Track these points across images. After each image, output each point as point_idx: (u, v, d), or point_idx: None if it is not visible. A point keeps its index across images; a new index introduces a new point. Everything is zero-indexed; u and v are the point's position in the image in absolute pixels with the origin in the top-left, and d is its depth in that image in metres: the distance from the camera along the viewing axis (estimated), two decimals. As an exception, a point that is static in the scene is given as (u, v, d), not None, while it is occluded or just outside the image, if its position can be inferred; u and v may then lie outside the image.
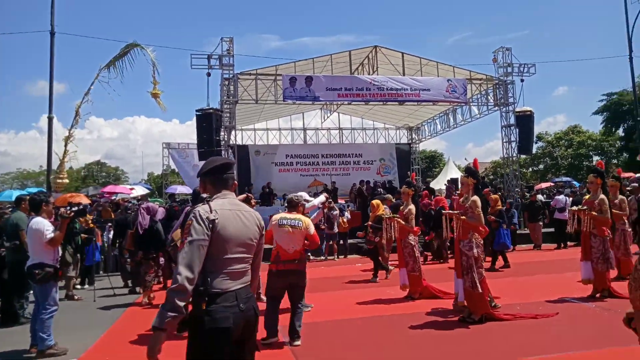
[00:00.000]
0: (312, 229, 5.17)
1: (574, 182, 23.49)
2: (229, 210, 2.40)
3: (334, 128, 24.84)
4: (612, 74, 74.02)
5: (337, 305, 7.01)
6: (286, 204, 5.66)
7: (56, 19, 13.08)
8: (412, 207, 7.31)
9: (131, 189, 20.04)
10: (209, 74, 15.28)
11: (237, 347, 2.34)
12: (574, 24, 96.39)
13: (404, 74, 17.37)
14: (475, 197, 5.57)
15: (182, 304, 2.16)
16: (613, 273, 6.99)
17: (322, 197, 7.16)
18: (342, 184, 20.02)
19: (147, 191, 18.27)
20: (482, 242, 5.65)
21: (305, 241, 5.13)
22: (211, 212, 2.31)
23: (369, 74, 17.60)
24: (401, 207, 7.55)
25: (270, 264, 5.15)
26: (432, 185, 20.32)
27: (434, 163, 45.69)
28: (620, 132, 35.97)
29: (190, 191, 19.00)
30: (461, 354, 4.42)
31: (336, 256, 13.30)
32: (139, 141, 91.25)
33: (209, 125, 14.31)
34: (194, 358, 2.24)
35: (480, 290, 5.40)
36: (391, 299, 7.20)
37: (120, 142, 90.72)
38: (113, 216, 11.75)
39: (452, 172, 25.45)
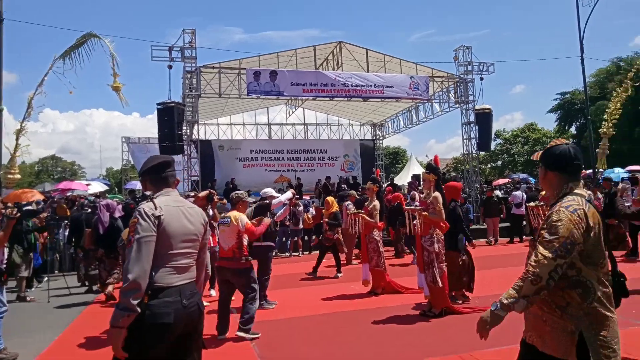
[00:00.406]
0: (243, 223, 5.17)
1: (530, 179, 24.38)
2: (173, 206, 2.43)
3: (299, 123, 24.79)
4: (565, 73, 77.52)
5: (301, 301, 7.01)
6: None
7: (4, 4, 12.35)
8: (376, 203, 7.40)
9: (88, 184, 19.32)
10: (170, 67, 14.87)
11: (179, 343, 2.34)
12: (531, 26, 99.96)
13: (368, 70, 17.50)
14: (437, 194, 5.69)
15: (135, 301, 2.17)
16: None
17: (288, 194, 7.13)
18: (307, 180, 20.06)
19: (105, 187, 17.66)
20: (442, 237, 5.78)
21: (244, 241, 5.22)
22: (156, 208, 2.33)
23: (333, 70, 17.63)
24: (366, 203, 7.62)
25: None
26: (395, 181, 20.63)
27: (397, 159, 46.43)
28: (573, 130, 37.67)
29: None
30: (421, 347, 4.51)
31: (301, 252, 13.31)
32: (97, 135, 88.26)
33: (171, 119, 13.93)
34: (132, 352, 2.21)
35: (440, 285, 5.53)
36: (355, 294, 7.27)
37: (77, 136, 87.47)
38: (68, 213, 11.30)
39: (415, 168, 25.92)
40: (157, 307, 2.24)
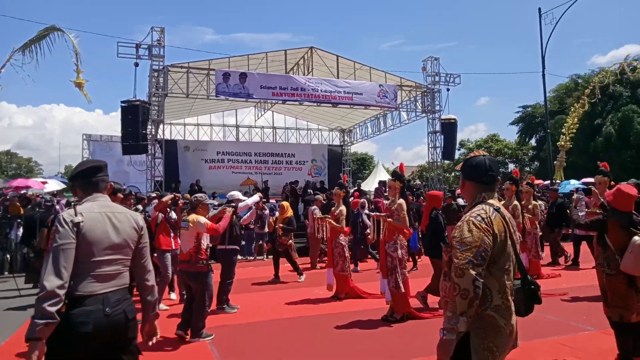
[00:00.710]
0: (202, 224, 5.16)
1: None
2: (97, 212, 2.38)
3: (267, 127, 24.68)
4: (528, 88, 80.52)
5: (264, 306, 6.94)
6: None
7: (-40, -8, 11.76)
8: (343, 208, 7.43)
9: (44, 182, 18.54)
10: (136, 64, 14.54)
11: (106, 352, 2.30)
12: (497, 40, 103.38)
13: (338, 77, 17.64)
14: (401, 201, 5.76)
15: (53, 309, 2.10)
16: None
17: (255, 197, 7.07)
18: (274, 184, 19.94)
19: (62, 186, 16.97)
20: (405, 243, 5.86)
21: (203, 242, 5.23)
22: (76, 215, 2.28)
23: (304, 75, 17.67)
24: (332, 208, 7.64)
25: None
26: (362, 186, 20.80)
27: (364, 165, 46.89)
28: (533, 142, 39.03)
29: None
30: (383, 351, 4.54)
31: (265, 256, 13.19)
32: (56, 131, 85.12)
33: (135, 117, 13.60)
34: None
35: (402, 291, 5.60)
36: (319, 299, 7.26)
37: (35, 131, 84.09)
38: (22, 212, 10.80)
39: (381, 174, 26.24)
40: (76, 317, 2.18)
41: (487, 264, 2.07)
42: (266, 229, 13.08)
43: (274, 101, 17.74)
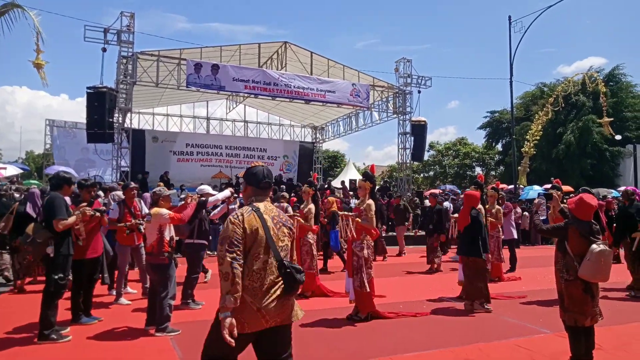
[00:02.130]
0: (164, 215, 5.16)
1: (457, 190, 25.68)
2: None
3: (239, 120, 24.40)
4: (496, 94, 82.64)
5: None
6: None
7: None
8: (312, 206, 7.42)
9: (2, 168, 17.74)
10: (104, 50, 14.06)
11: None
12: (468, 46, 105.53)
13: (311, 73, 17.60)
14: (370, 201, 5.79)
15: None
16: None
17: (226, 192, 6.97)
18: (244, 178, 19.73)
19: (20, 171, 16.28)
20: (372, 243, 5.90)
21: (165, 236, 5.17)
22: None
23: (277, 70, 17.54)
24: (301, 206, 7.61)
25: None
26: (333, 184, 20.87)
27: (335, 163, 47.00)
28: (499, 147, 40.11)
29: (75, 173, 17.34)
30: (346, 350, 4.57)
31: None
32: (18, 114, 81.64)
33: (102, 105, 13.17)
34: None
35: (367, 290, 5.64)
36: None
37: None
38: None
39: (352, 173, 26.40)
40: None
41: (244, 252, 2.61)
42: None
43: (246, 95, 17.54)
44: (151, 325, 5.18)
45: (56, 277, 4.73)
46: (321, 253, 10.74)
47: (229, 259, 2.53)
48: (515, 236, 10.86)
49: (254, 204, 2.77)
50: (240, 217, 2.67)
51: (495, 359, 4.30)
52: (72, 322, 5.34)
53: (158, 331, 5.03)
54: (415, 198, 17.93)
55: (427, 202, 16.92)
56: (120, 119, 15.02)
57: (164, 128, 22.70)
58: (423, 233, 14.41)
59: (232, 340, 2.47)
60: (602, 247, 3.87)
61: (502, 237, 9.36)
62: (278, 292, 2.65)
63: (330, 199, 10.57)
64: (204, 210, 6.57)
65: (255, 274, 2.63)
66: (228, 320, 2.49)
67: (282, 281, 2.67)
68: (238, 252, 2.56)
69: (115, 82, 15.06)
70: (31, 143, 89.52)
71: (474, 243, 6.33)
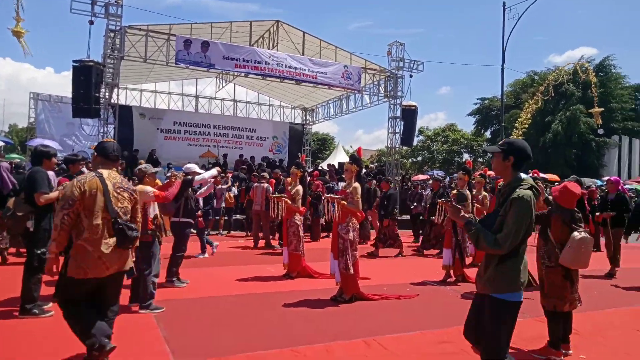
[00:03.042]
0: (148, 193, 5.10)
1: (447, 177, 25.84)
2: None
3: (228, 99, 24.12)
4: (487, 80, 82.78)
5: (215, 281, 6.89)
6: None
7: None
8: (299, 187, 7.42)
9: (-15, 140, 17.36)
10: (91, 22, 13.66)
11: None
12: (461, 32, 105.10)
13: (303, 54, 17.39)
14: (357, 184, 5.79)
15: None
16: (468, 260, 7.87)
17: (213, 171, 6.92)
18: (234, 158, 19.63)
19: (2, 144, 15.95)
20: (358, 226, 5.93)
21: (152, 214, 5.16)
22: None
23: (268, 49, 17.29)
24: (289, 187, 7.60)
25: None
26: (321, 167, 20.87)
27: (325, 145, 46.89)
28: (488, 134, 40.35)
29: (58, 146, 17.05)
30: (329, 331, 4.61)
31: (220, 231, 13.10)
32: (0, 87, 79.64)
33: (88, 79, 12.89)
34: None
35: (351, 272, 5.68)
36: (270, 276, 7.27)
37: (-24, 85, 78.34)
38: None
39: (341, 156, 26.35)
40: None
41: (84, 210, 3.25)
42: (223, 204, 12.95)
43: (236, 73, 17.30)
44: (135, 302, 5.18)
45: (39, 251, 4.68)
46: (308, 234, 10.75)
47: (62, 214, 3.20)
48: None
49: (99, 170, 3.43)
50: (82, 181, 3.30)
51: (475, 341, 4.37)
52: (55, 297, 5.30)
53: (142, 308, 5.04)
54: (402, 183, 17.98)
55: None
56: (107, 94, 14.73)
57: (152, 105, 22.36)
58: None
59: (56, 275, 3.33)
60: (583, 234, 3.93)
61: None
62: (114, 244, 3.35)
63: (289, 179, 10.28)
64: (190, 189, 6.52)
65: (95, 228, 3.27)
66: (51, 259, 3.31)
67: (115, 235, 3.34)
68: (72, 210, 3.21)
69: (102, 56, 14.73)
70: (14, 116, 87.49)
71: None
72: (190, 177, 6.44)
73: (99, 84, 13.35)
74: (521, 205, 2.67)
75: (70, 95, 13.62)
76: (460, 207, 3.03)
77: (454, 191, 7.92)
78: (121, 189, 3.47)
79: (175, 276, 6.43)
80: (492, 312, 2.73)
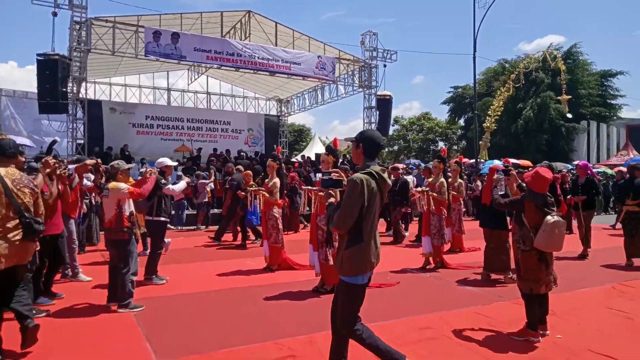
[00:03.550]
0: (123, 189, 5.03)
1: (422, 164, 26.14)
2: None
3: (201, 92, 23.71)
4: (459, 69, 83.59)
5: (194, 277, 6.80)
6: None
7: None
8: (276, 180, 7.35)
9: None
10: (55, 14, 13.19)
11: None
12: (433, 21, 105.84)
13: (276, 44, 17.21)
14: (335, 175, 5.77)
15: None
16: (446, 247, 7.98)
17: (182, 184, 6.66)
18: (209, 152, 19.36)
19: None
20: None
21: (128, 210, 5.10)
22: None
23: (240, 40, 17.04)
24: (266, 180, 7.53)
25: None
26: (297, 158, 20.79)
27: (301, 137, 46.72)
28: (462, 122, 40.89)
29: (32, 144, 16.50)
30: (311, 323, 4.61)
31: (198, 226, 12.96)
32: (-41, 82, 76.32)
33: (54, 73, 12.45)
34: None
35: (331, 263, 5.68)
36: (251, 270, 7.22)
37: None
38: None
39: (318, 147, 26.31)
40: None
41: None
42: (205, 199, 12.81)
43: (208, 65, 17.00)
44: (113, 301, 5.07)
45: None
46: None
47: None
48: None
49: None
50: None
51: (456, 326, 4.45)
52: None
53: (120, 307, 4.94)
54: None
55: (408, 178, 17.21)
56: (74, 88, 14.29)
57: (122, 99, 21.79)
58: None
59: None
60: (556, 218, 4.02)
61: (464, 210, 9.63)
62: (18, 237, 3.51)
63: (248, 171, 9.95)
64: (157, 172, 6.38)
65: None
66: None
67: (22, 229, 3.50)
68: None
69: (68, 49, 14.26)
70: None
71: (499, 216, 6.40)
72: (164, 181, 6.35)
73: (65, 79, 12.93)
74: (351, 187, 2.91)
75: (35, 90, 13.15)
76: (332, 193, 3.42)
77: (430, 179, 7.99)
78: (21, 185, 3.63)
79: (154, 273, 6.33)
80: (341, 292, 3.09)
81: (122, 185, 5.09)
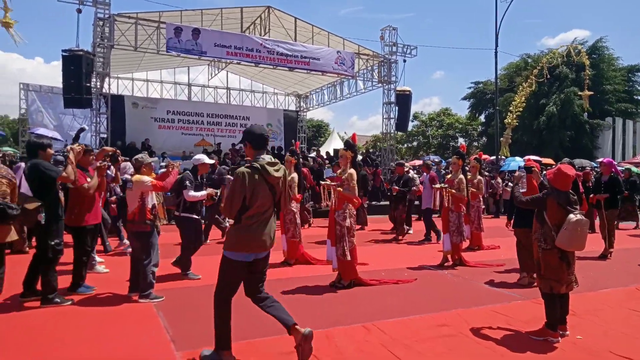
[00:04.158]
0: (146, 183, 5.09)
1: (443, 162, 25.86)
2: None
3: (221, 87, 23.90)
4: (480, 64, 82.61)
5: (213, 269, 6.83)
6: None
7: None
8: (294, 175, 7.40)
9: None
10: (79, 11, 13.46)
11: None
12: (453, 15, 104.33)
13: (295, 40, 17.22)
14: (352, 170, 5.78)
15: None
16: (465, 244, 7.91)
17: (204, 193, 6.39)
18: (228, 146, 19.53)
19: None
20: (354, 212, 5.92)
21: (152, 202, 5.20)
22: None
23: (260, 35, 17.10)
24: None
25: None
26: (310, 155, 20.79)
27: (320, 132, 46.77)
28: (482, 118, 40.32)
29: (58, 136, 16.87)
30: (328, 317, 4.64)
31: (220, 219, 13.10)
32: (-12, 78, 78.56)
33: (78, 69, 12.72)
34: None
35: (349, 258, 5.70)
36: (269, 263, 7.26)
37: (-36, 77, 77.16)
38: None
39: (336, 142, 26.29)
40: None
41: None
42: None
43: (228, 61, 17.13)
44: (134, 292, 5.19)
45: (52, 243, 4.76)
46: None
47: None
48: (432, 206, 10.03)
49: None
50: None
51: (474, 324, 4.42)
52: (70, 291, 5.31)
53: (141, 297, 5.05)
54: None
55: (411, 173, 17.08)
56: (98, 83, 14.56)
57: (144, 94, 22.12)
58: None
59: None
60: (579, 216, 3.94)
61: (483, 207, 9.51)
62: None
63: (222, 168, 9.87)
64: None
65: None
66: None
67: None
68: None
69: (92, 45, 14.51)
70: (4, 108, 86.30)
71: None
72: (188, 183, 6.12)
73: (89, 74, 13.18)
74: (234, 179, 3.38)
75: (61, 85, 13.45)
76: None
77: (449, 176, 7.92)
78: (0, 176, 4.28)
79: (188, 269, 6.32)
80: (220, 262, 3.52)
81: (146, 178, 5.17)
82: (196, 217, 6.41)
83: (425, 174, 10.54)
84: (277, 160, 3.51)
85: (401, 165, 10.98)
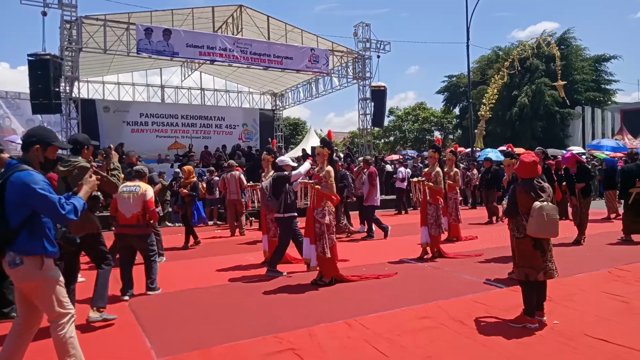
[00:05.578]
0: (149, 195, 5.41)
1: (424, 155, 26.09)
2: None
3: (195, 88, 23.61)
4: (454, 58, 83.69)
5: (193, 273, 6.81)
6: (133, 173, 5.74)
7: None
8: (272, 173, 7.34)
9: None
10: (44, 13, 13.10)
11: None
12: (426, 10, 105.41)
13: (268, 38, 17.14)
14: (329, 168, 5.78)
15: None
16: (443, 236, 8.01)
17: (307, 165, 6.70)
18: (200, 149, 19.30)
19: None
20: (333, 209, 5.93)
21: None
22: None
23: (232, 34, 16.95)
24: (262, 174, 7.53)
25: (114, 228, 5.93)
26: (294, 152, 20.76)
27: (297, 130, 46.63)
28: (457, 111, 40.90)
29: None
30: (311, 315, 4.63)
31: (215, 221, 13.05)
32: (-49, 85, 75.65)
33: (45, 73, 12.37)
34: None
35: (329, 256, 5.70)
36: (250, 265, 7.24)
37: None
38: None
39: (313, 140, 26.25)
40: None
41: None
42: (217, 194, 12.82)
43: (201, 61, 16.92)
44: (125, 294, 5.34)
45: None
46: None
47: None
48: (378, 204, 9.99)
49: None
50: None
51: (454, 314, 4.48)
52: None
53: (150, 290, 5.53)
54: (382, 163, 17.90)
55: (388, 167, 17.21)
56: (67, 88, 14.21)
57: (116, 97, 21.69)
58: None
59: None
60: (543, 203, 4.01)
61: (460, 198, 9.65)
62: None
63: (188, 167, 9.68)
64: (287, 184, 6.43)
65: None
66: None
67: None
68: None
69: (59, 48, 14.16)
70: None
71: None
72: (286, 173, 6.42)
73: (57, 78, 12.85)
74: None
75: (28, 90, 13.08)
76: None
77: (426, 169, 8.00)
78: None
79: (275, 267, 6.42)
80: None
81: (151, 194, 5.46)
82: (295, 214, 6.60)
83: (365, 170, 10.03)
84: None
85: (366, 162, 10.40)
